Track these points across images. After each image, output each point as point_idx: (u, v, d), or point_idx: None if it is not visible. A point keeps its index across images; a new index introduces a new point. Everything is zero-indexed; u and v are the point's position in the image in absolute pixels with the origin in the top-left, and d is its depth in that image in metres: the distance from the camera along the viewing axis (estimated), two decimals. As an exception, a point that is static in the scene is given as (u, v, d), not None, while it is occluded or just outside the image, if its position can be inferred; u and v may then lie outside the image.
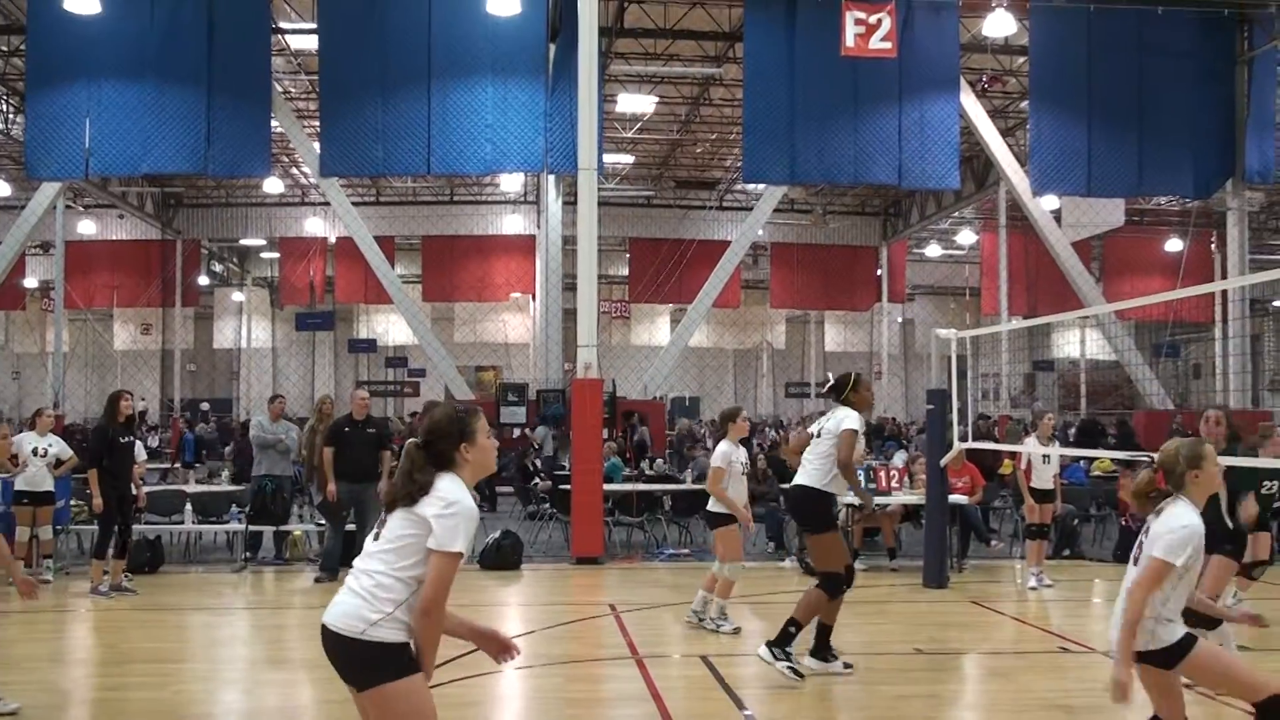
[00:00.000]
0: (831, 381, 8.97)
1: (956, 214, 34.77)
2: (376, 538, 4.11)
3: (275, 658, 9.56)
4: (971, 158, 27.83)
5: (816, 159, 20.47)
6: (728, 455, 10.12)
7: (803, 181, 25.06)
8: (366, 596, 3.99)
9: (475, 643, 4.42)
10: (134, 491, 12.49)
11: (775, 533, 15.53)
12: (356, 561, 4.14)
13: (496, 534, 14.41)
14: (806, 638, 8.55)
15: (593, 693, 8.19)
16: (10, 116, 26.30)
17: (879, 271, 36.52)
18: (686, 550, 15.63)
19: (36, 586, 7.13)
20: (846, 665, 8.61)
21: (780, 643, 8.27)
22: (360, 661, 3.99)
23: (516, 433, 22.82)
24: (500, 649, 4.38)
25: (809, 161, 20.50)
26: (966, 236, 38.13)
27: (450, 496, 4.05)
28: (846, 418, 8.54)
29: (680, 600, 11.64)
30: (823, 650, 8.61)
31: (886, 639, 9.99)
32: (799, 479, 8.73)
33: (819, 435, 8.68)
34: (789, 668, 8.18)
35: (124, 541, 12.34)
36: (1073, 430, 27.35)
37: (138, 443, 13.45)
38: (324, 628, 4.03)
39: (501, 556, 14.01)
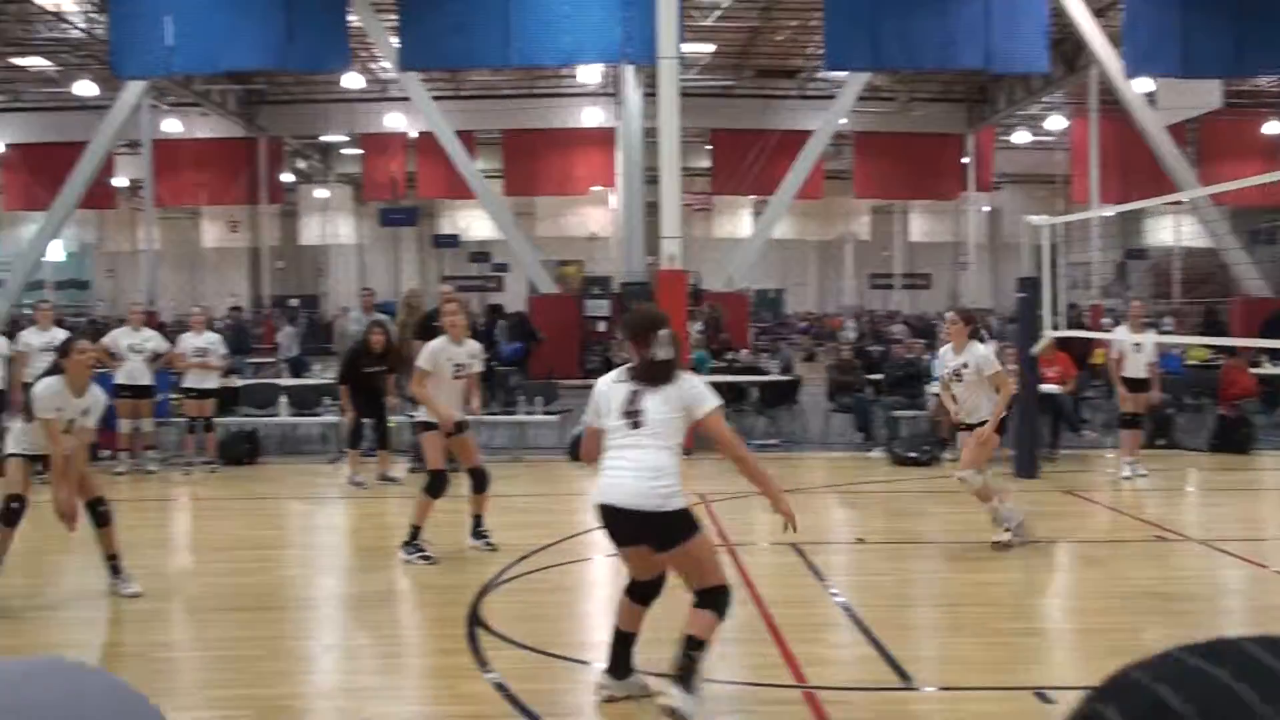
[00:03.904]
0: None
1: (1046, 99, 33.82)
2: (629, 426, 5.18)
3: (372, 545, 9.77)
4: (1061, 40, 26.92)
5: (900, 44, 19.94)
6: (437, 353, 8.92)
7: (886, 68, 24.46)
8: (653, 476, 5.07)
9: (770, 498, 5.32)
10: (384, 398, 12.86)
11: (864, 423, 15.47)
12: (636, 446, 5.11)
13: (582, 427, 14.52)
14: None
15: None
16: (94, 16, 26.46)
17: (965, 160, 35.77)
18: (775, 440, 15.64)
19: (77, 519, 7.52)
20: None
21: None
22: (668, 528, 5.09)
23: (602, 326, 22.87)
24: (787, 516, 5.21)
25: (893, 47, 19.97)
26: (1056, 122, 37.14)
27: (683, 373, 5.34)
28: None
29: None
30: None
31: (976, 526, 9.96)
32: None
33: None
34: None
35: (382, 434, 12.82)
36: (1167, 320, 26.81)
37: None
38: (614, 509, 5.12)
39: (589, 447, 14.13)
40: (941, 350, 9.55)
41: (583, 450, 5.65)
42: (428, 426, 8.76)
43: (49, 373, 7.68)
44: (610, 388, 5.35)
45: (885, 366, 16.41)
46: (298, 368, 20.05)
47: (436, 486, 8.65)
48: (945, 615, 7.46)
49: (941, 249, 42.07)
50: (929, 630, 7.25)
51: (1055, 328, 12.91)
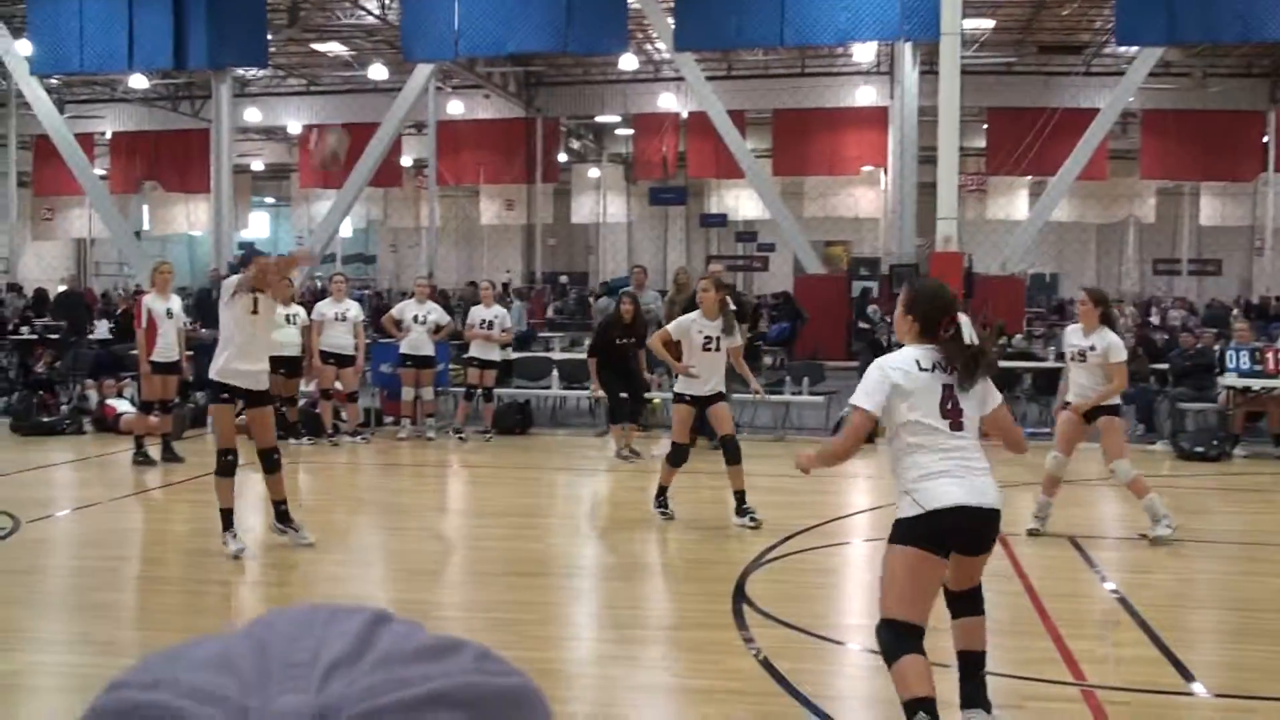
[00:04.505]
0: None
1: (1359, 72, 31.43)
2: (950, 428, 4.57)
3: (638, 518, 9.93)
4: (1381, 8, 24.94)
5: (1199, 15, 18.79)
6: (687, 325, 9.12)
7: (1182, 41, 23.14)
8: (990, 473, 4.61)
9: None
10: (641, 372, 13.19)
11: (1146, 414, 14.74)
12: (962, 448, 4.56)
13: (845, 410, 14.35)
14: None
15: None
16: (388, 3, 27.75)
17: (1265, 138, 33.54)
18: (1048, 429, 15.07)
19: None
20: None
21: None
22: (996, 528, 4.67)
23: (872, 309, 22.56)
24: None
25: (1190, 18, 18.84)
26: (1370, 98, 34.45)
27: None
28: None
29: (1038, 480, 11.29)
30: None
31: (1271, 529, 9.35)
32: None
33: None
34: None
35: (634, 410, 13.12)
36: None
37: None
38: (986, 510, 4.53)
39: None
40: (1069, 328, 9.07)
41: (846, 441, 4.91)
42: (679, 399, 9.14)
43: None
44: (916, 376, 4.57)
45: (1171, 356, 15.59)
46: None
47: (677, 457, 9.11)
48: (1234, 618, 7.04)
49: (1235, 233, 39.60)
50: (1216, 634, 6.85)
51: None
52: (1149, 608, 6.82)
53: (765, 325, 20.00)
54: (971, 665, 4.71)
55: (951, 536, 4.52)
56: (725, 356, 9.21)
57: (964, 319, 4.94)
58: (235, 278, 8.04)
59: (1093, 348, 8.54)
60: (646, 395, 13.41)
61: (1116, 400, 8.73)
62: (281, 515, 8.05)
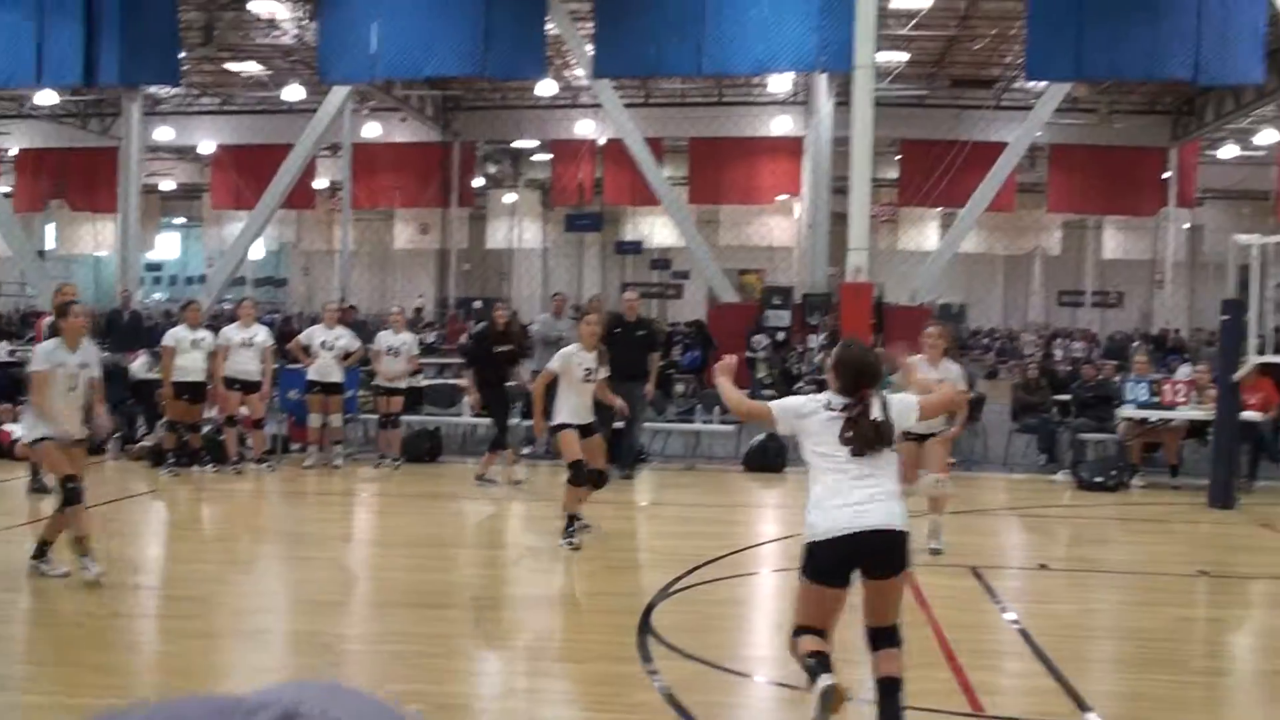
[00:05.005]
0: None
1: (1257, 112, 32.34)
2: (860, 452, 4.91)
3: (545, 548, 9.87)
4: (1277, 50, 25.74)
5: (1105, 53, 19.24)
6: (568, 358, 9.48)
7: (1089, 78, 23.70)
8: (898, 499, 4.92)
9: None
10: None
11: (1048, 445, 15.01)
12: (872, 473, 4.89)
13: (762, 436, 14.43)
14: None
15: (855, 598, 8.11)
16: (305, 23, 27.51)
17: (1166, 174, 34.45)
18: (954, 459, 15.27)
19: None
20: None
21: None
22: (905, 550, 4.92)
23: (781, 336, 22.71)
24: None
25: (1097, 56, 19.27)
26: (1267, 136, 35.44)
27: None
28: None
29: (947, 509, 11.43)
30: None
31: (1167, 558, 9.55)
32: None
33: None
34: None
35: (500, 437, 13.00)
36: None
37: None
38: (885, 531, 4.79)
39: (766, 459, 14.03)
40: (914, 358, 9.46)
41: (742, 404, 5.78)
42: (563, 427, 9.42)
43: (50, 335, 8.13)
44: (820, 415, 5.04)
45: (1074, 387, 15.89)
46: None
47: (578, 475, 9.32)
48: (1131, 648, 7.17)
49: (1136, 266, 40.59)
50: (1113, 663, 6.97)
51: (1260, 352, 12.32)
52: (1048, 637, 6.92)
53: (678, 353, 20.10)
54: (889, 689, 4.94)
55: (848, 562, 4.90)
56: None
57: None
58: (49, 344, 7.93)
59: (940, 380, 8.85)
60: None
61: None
62: (41, 550, 7.83)
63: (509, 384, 13.12)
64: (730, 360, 5.97)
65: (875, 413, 4.96)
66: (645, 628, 6.91)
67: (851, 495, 4.84)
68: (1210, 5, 18.59)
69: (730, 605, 8.09)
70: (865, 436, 4.90)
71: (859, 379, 5.02)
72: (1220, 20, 18.58)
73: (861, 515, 4.80)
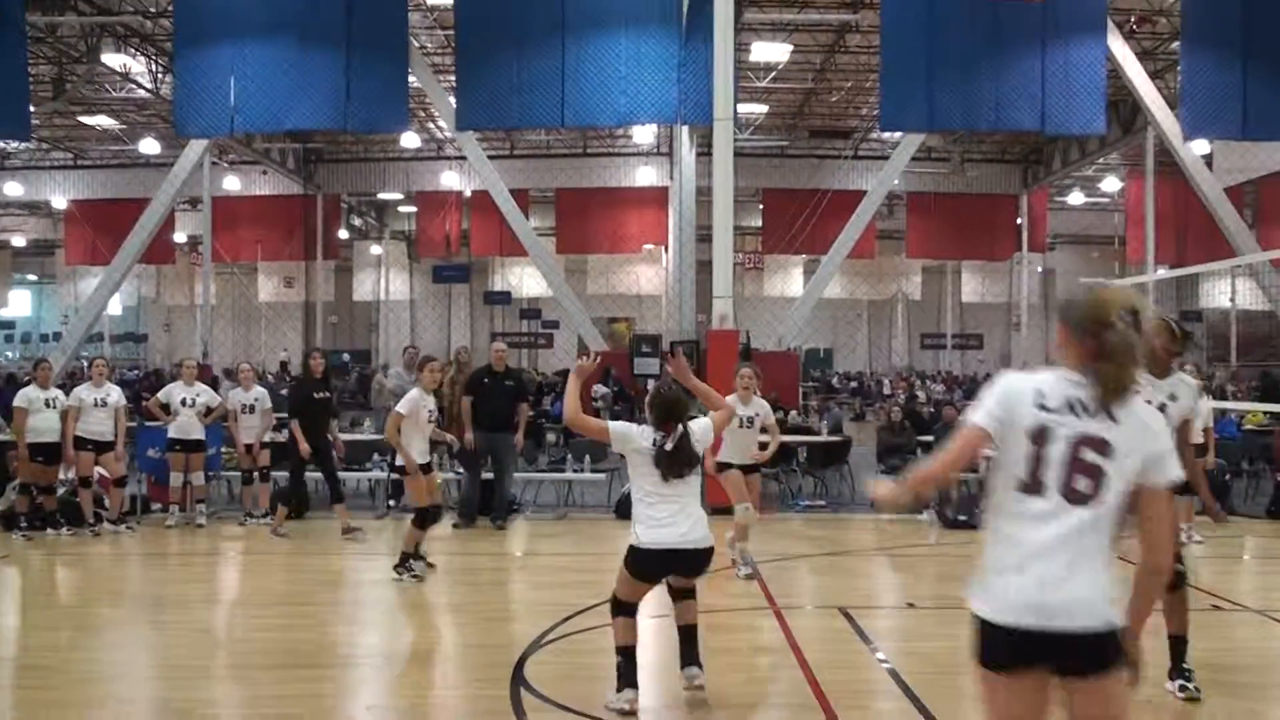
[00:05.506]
0: None
1: (1101, 160, 33.70)
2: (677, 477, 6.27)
3: (416, 602, 9.76)
4: (1118, 102, 26.85)
5: (956, 105, 19.88)
6: (415, 402, 10.39)
7: (941, 128, 24.49)
8: (701, 519, 6.25)
9: None
10: (332, 440, 13.11)
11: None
12: (678, 494, 6.23)
13: (629, 486, 14.47)
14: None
15: (731, 643, 8.16)
16: (160, 76, 27.03)
17: (1019, 220, 35.64)
18: (823, 501, 15.53)
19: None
20: None
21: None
22: (707, 560, 6.33)
23: (650, 384, 22.82)
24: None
25: (948, 108, 19.91)
26: (1111, 183, 36.98)
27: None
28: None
29: (816, 551, 11.57)
30: None
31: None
32: None
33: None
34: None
35: (334, 488, 13.05)
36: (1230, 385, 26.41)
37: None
38: (689, 550, 6.17)
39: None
40: (730, 397, 9.90)
41: (590, 427, 6.72)
42: (407, 472, 10.36)
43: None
44: (642, 444, 6.30)
45: (936, 428, 16.27)
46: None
47: (424, 519, 10.31)
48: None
49: (994, 309, 41.84)
50: (978, 699, 7.09)
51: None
52: (917, 676, 7.03)
53: (549, 403, 20.08)
54: (688, 634, 6.58)
55: (666, 570, 6.39)
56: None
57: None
58: None
59: (754, 416, 10.11)
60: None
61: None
62: None
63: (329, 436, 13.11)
64: (586, 363, 6.60)
65: (677, 442, 6.18)
66: (519, 679, 6.86)
67: (662, 512, 6.16)
68: (1054, 59, 19.38)
69: (603, 655, 8.03)
70: (671, 463, 6.16)
71: (668, 415, 6.25)
72: (1063, 74, 19.37)
73: (672, 529, 6.16)
